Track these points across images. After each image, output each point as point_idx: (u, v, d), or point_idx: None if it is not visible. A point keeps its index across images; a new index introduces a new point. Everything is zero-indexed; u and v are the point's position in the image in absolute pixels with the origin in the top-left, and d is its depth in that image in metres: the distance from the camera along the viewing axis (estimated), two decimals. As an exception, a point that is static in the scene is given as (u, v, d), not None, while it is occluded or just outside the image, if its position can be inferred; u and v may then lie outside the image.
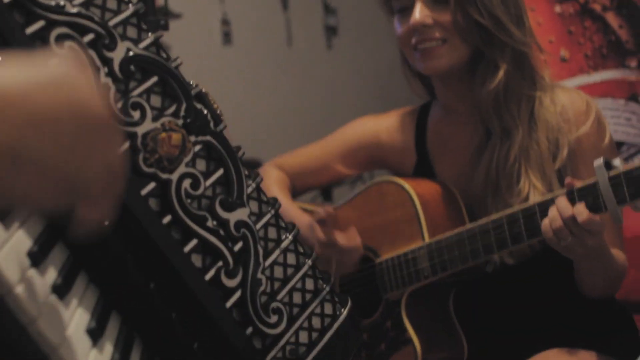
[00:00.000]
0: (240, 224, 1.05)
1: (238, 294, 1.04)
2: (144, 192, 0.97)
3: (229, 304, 1.03)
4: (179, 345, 0.99)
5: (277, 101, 4.30)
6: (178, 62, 1.02)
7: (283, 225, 1.12)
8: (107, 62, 0.95)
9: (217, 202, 1.03)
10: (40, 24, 0.90)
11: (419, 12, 1.80)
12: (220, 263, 1.02)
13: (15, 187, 0.70)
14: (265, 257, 1.08)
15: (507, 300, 1.89)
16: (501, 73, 1.79)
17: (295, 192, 2.12)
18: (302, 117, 4.31)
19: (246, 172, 1.07)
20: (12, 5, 0.88)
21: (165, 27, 1.60)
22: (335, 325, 1.14)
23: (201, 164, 1.03)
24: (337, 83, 4.51)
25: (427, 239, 1.83)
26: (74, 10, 0.93)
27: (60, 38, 0.91)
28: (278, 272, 1.10)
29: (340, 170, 2.09)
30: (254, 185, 1.09)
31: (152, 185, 0.97)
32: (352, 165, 2.09)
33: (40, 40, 0.90)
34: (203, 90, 1.04)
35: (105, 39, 0.95)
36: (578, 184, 1.61)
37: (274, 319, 1.07)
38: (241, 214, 1.05)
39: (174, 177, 0.99)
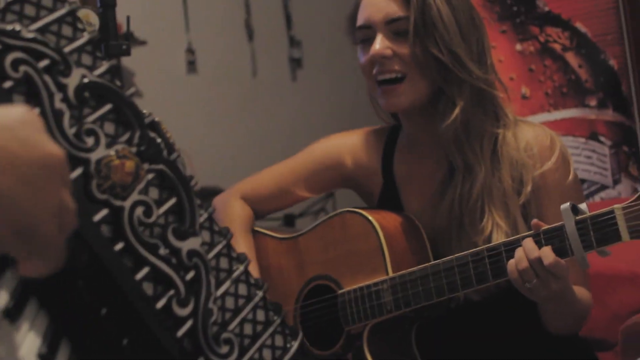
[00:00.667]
0: (192, 253, 1.04)
1: (189, 323, 1.03)
2: (96, 218, 0.96)
3: (180, 333, 1.02)
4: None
5: (241, 131, 4.30)
6: (132, 91, 1.02)
7: (235, 255, 1.12)
8: (62, 88, 0.95)
9: (169, 231, 1.03)
10: (-5, 48, 0.90)
11: (378, 43, 1.82)
12: (172, 292, 1.01)
13: None
14: (217, 287, 1.07)
15: (471, 335, 1.88)
16: (457, 110, 1.79)
17: (258, 217, 2.10)
18: (266, 148, 4.31)
19: (199, 202, 1.07)
20: (-34, 29, 0.88)
21: (127, 53, 1.61)
22: (286, 358, 1.14)
23: (154, 192, 1.02)
24: (301, 115, 4.52)
25: (390, 273, 1.82)
26: (30, 35, 0.93)
27: (16, 63, 0.91)
28: (229, 302, 1.09)
29: (303, 195, 2.07)
30: (206, 215, 1.08)
31: (104, 211, 0.97)
32: (315, 189, 2.07)
33: (-6, 64, 0.90)
34: (156, 119, 1.04)
35: (60, 65, 0.95)
36: (545, 226, 1.62)
37: (225, 349, 1.06)
38: (193, 243, 1.05)
39: (127, 204, 0.98)
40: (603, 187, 3.47)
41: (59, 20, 0.97)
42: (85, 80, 0.97)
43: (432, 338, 1.91)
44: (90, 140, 0.96)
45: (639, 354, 1.85)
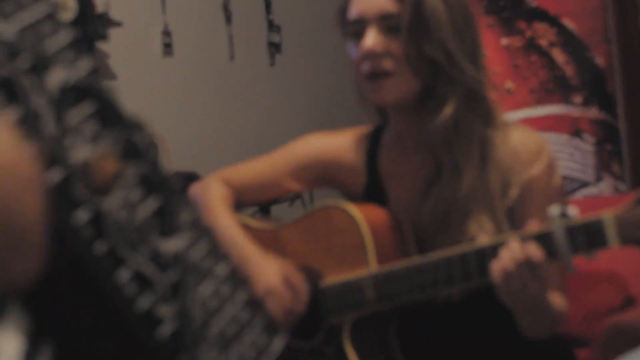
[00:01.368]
0: (174, 253, 1.03)
1: (171, 324, 1.01)
2: (77, 219, 0.94)
3: (162, 334, 1.00)
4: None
5: (217, 115, 4.28)
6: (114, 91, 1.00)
7: (218, 255, 1.10)
8: (41, 87, 0.93)
9: (151, 232, 1.01)
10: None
11: (370, 39, 1.79)
12: (153, 293, 1.00)
13: None
14: (200, 287, 1.06)
15: (453, 333, 1.88)
16: (448, 109, 1.78)
17: (241, 206, 2.08)
18: (243, 132, 4.30)
19: (182, 201, 1.05)
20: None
21: (104, 37, 1.57)
22: (270, 357, 1.13)
23: (136, 193, 1.01)
24: (279, 101, 4.51)
25: (373, 267, 1.81)
26: (8, 33, 0.91)
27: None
28: (212, 302, 1.08)
29: (290, 187, 2.06)
30: (189, 214, 1.06)
31: (85, 212, 0.95)
32: (303, 182, 2.05)
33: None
34: (140, 119, 1.02)
35: (39, 64, 0.93)
36: (533, 227, 1.62)
37: (207, 349, 1.05)
38: (176, 243, 1.03)
39: (109, 205, 0.97)
40: (585, 184, 3.50)
41: (39, 17, 0.95)
42: (66, 78, 0.95)
43: (414, 335, 1.90)
44: (71, 141, 0.94)
45: (620, 354, 1.84)
